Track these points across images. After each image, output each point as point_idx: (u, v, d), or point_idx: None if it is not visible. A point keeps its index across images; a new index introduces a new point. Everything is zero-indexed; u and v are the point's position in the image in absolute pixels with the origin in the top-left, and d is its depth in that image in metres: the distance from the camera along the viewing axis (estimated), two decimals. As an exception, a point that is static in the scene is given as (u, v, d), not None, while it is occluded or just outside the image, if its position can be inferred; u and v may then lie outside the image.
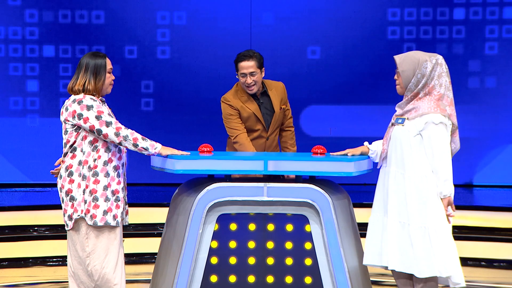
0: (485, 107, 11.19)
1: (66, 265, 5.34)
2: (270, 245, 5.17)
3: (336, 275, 5.07)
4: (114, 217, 5.11)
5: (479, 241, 8.29)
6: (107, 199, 5.09)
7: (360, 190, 9.94)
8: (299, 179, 5.16)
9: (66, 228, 5.16)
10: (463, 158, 10.69)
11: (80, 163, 5.10)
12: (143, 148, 5.07)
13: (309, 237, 5.13)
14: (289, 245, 5.16)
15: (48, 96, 11.20)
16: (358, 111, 11.31)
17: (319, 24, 11.23)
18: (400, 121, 4.99)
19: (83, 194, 5.08)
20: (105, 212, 5.08)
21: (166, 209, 5.57)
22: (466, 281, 7.23)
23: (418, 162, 4.92)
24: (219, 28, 11.22)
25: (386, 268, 5.03)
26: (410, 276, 5.05)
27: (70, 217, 5.11)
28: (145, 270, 7.75)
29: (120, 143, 5.06)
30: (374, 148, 5.18)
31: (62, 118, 5.14)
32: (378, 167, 5.17)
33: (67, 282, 5.33)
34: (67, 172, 5.11)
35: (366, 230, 5.14)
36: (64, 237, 5.34)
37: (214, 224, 5.12)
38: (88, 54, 5.19)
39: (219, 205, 5.12)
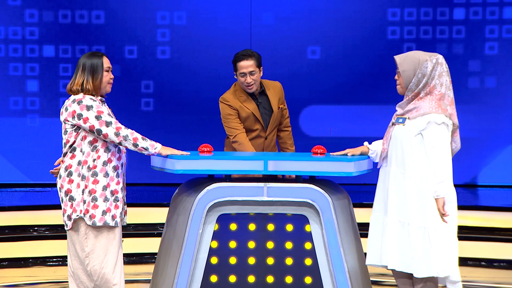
0: (485, 107, 11.19)
1: (66, 265, 5.35)
2: (270, 245, 5.17)
3: (336, 275, 5.07)
4: (113, 217, 5.11)
5: (479, 241, 8.29)
6: (106, 199, 5.09)
7: (360, 190, 9.94)
8: (299, 179, 5.16)
9: (66, 228, 5.16)
10: (463, 158, 10.68)
11: (79, 163, 5.10)
12: (143, 148, 5.07)
13: (309, 237, 5.13)
14: (289, 245, 5.16)
15: (48, 96, 11.20)
16: (358, 111, 11.31)
17: (319, 24, 11.23)
18: (401, 120, 4.99)
19: (82, 194, 5.08)
20: (104, 212, 5.08)
21: (166, 209, 5.57)
22: (467, 281, 7.25)
23: (419, 162, 4.92)
24: (219, 28, 11.22)
25: (386, 267, 5.03)
26: (410, 276, 5.05)
27: (69, 217, 5.11)
28: (145, 270, 7.75)
29: (120, 143, 5.06)
30: (374, 148, 5.19)
31: (62, 118, 5.14)
32: (378, 167, 5.17)
33: (67, 282, 5.33)
34: (67, 172, 5.11)
35: (366, 230, 5.15)
36: (64, 237, 5.34)
37: (214, 224, 5.12)
38: (86, 54, 5.20)
39: (219, 205, 5.12)
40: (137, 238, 8.31)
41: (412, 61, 4.96)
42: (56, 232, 8.34)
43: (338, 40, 11.25)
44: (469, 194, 10.65)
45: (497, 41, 11.16)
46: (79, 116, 5.05)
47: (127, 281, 5.41)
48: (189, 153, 5.18)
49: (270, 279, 5.16)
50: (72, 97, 5.13)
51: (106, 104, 5.23)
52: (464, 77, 11.16)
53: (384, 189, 5.06)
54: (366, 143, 5.24)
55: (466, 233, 8.35)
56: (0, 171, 11.17)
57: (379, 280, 7.18)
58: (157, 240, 5.75)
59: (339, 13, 11.22)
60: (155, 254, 5.66)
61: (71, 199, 5.09)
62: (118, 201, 5.13)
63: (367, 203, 7.56)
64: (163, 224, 5.62)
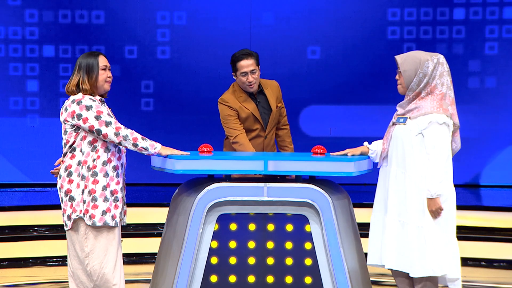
0: (485, 107, 11.19)
1: (66, 265, 5.35)
2: (270, 245, 5.17)
3: (336, 275, 5.07)
4: (113, 217, 5.11)
5: (479, 241, 8.29)
6: (106, 199, 5.09)
7: (360, 190, 9.94)
8: (299, 179, 5.16)
9: (65, 228, 5.16)
10: (463, 158, 10.68)
11: (79, 163, 5.10)
12: (143, 148, 5.07)
13: (309, 237, 5.13)
14: (289, 245, 5.16)
15: (48, 96, 11.20)
16: (358, 111, 11.31)
17: (319, 24, 11.23)
18: (402, 120, 4.99)
19: (82, 194, 5.08)
20: (104, 212, 5.08)
21: (166, 209, 5.57)
22: (467, 281, 7.24)
23: (419, 162, 4.92)
24: (219, 28, 11.22)
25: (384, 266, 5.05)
26: (409, 276, 5.05)
27: (69, 217, 5.11)
28: (145, 270, 7.75)
29: (119, 143, 5.06)
30: (374, 148, 5.19)
31: (61, 119, 5.14)
32: (378, 167, 5.17)
33: (67, 282, 5.33)
34: (66, 172, 5.11)
35: (366, 230, 5.15)
36: (64, 237, 5.34)
37: (214, 224, 5.12)
38: (84, 54, 5.21)
39: (219, 205, 5.12)
40: (137, 238, 8.31)
41: (413, 61, 4.96)
42: (56, 232, 8.34)
43: (338, 40, 11.25)
44: (469, 194, 10.65)
45: (497, 41, 11.16)
46: (79, 116, 5.05)
47: (127, 281, 5.41)
48: (189, 153, 5.18)
49: (270, 279, 5.16)
50: (72, 98, 5.13)
51: (105, 104, 5.23)
52: (464, 77, 11.16)
53: (385, 189, 5.06)
54: (366, 143, 5.24)
55: (466, 233, 8.35)
56: (0, 171, 11.17)
57: (379, 280, 7.18)
58: (157, 240, 5.75)
59: (339, 13, 11.22)
60: (155, 254, 5.66)
61: (71, 199, 5.09)
62: (118, 201, 5.13)
63: (367, 203, 7.56)
64: (163, 224, 5.62)
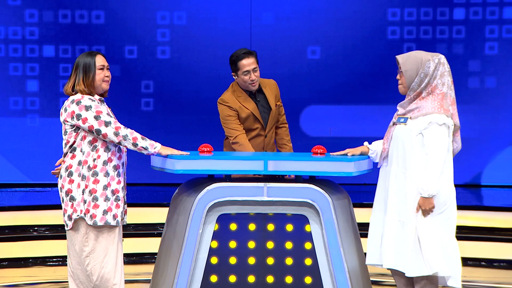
0: (485, 107, 11.19)
1: (66, 265, 5.35)
2: (270, 245, 5.17)
3: (336, 275, 5.07)
4: (114, 216, 5.11)
5: (479, 241, 8.29)
6: (107, 199, 5.09)
7: (360, 190, 9.94)
8: (299, 179, 5.16)
9: (66, 228, 5.16)
10: (463, 158, 10.68)
11: (79, 163, 5.10)
12: (143, 147, 5.07)
13: (309, 237, 5.13)
14: (289, 245, 5.16)
15: (48, 96, 11.20)
16: (358, 111, 11.31)
17: (319, 24, 11.23)
18: (402, 120, 4.99)
19: (83, 194, 5.08)
20: (105, 212, 5.08)
21: (166, 209, 5.57)
22: (467, 281, 7.24)
23: (420, 162, 4.92)
24: (219, 28, 11.22)
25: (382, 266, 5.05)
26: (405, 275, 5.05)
27: (69, 217, 5.11)
28: (145, 270, 7.75)
29: (119, 143, 5.06)
30: (374, 148, 5.19)
31: (61, 119, 5.15)
32: (378, 167, 5.17)
33: (67, 282, 5.33)
34: (67, 172, 5.11)
35: (366, 230, 5.15)
36: (64, 237, 5.34)
37: (214, 224, 5.12)
38: (82, 54, 5.22)
39: (219, 205, 5.12)
40: (137, 238, 8.30)
41: (414, 61, 4.96)
42: (56, 232, 8.34)
43: (338, 40, 11.25)
44: (469, 194, 10.65)
45: (497, 41, 11.15)
46: (78, 116, 5.05)
47: (127, 281, 5.41)
48: (188, 153, 5.17)
49: (270, 279, 5.16)
50: (71, 98, 5.13)
51: (105, 103, 5.23)
52: (464, 77, 11.16)
53: (385, 188, 5.06)
54: (366, 143, 5.24)
55: (466, 233, 8.35)
56: (0, 171, 11.17)
57: (379, 280, 7.18)
58: (157, 240, 5.75)
59: (339, 13, 11.21)
60: (155, 254, 5.66)
61: (72, 199, 5.09)
62: (119, 200, 5.13)
63: (367, 203, 7.56)
64: (163, 224, 5.62)
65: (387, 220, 5.00)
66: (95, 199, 5.07)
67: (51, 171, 5.29)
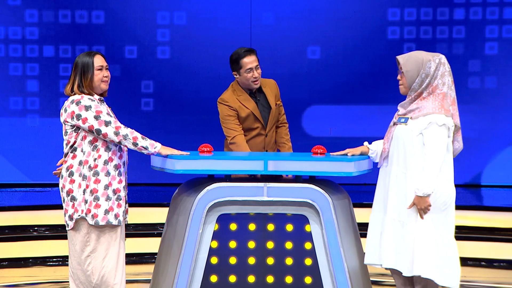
0: (485, 107, 11.19)
1: (66, 265, 5.36)
2: (270, 245, 5.17)
3: (336, 275, 5.07)
4: (116, 216, 5.11)
5: (479, 241, 8.29)
6: (108, 198, 5.09)
7: (360, 190, 9.94)
8: (299, 179, 5.16)
9: (67, 228, 5.16)
10: (463, 158, 10.65)
11: (80, 163, 5.10)
12: (143, 147, 5.07)
13: (309, 237, 5.13)
14: (289, 245, 5.16)
15: (48, 96, 11.20)
16: (358, 111, 11.31)
17: (319, 24, 11.23)
18: (403, 120, 4.99)
19: (83, 194, 5.08)
20: (107, 212, 5.08)
21: (166, 209, 5.57)
22: (467, 281, 7.24)
23: (420, 162, 4.92)
24: (219, 28, 11.22)
25: (381, 266, 5.05)
26: (408, 276, 5.05)
27: (70, 217, 5.11)
28: (145, 270, 7.75)
29: (119, 142, 5.06)
30: (374, 148, 5.19)
31: (61, 119, 5.15)
32: (378, 167, 5.17)
33: (67, 282, 5.34)
34: (68, 172, 5.11)
35: (366, 230, 5.15)
36: (64, 237, 5.34)
37: (214, 224, 5.12)
38: (81, 54, 5.22)
39: (219, 205, 5.12)
40: (137, 238, 8.30)
41: (415, 61, 4.96)
42: (56, 232, 8.34)
43: (338, 40, 11.25)
44: (469, 194, 10.65)
45: (497, 41, 11.15)
46: (78, 116, 5.05)
47: (127, 281, 5.41)
48: (188, 153, 5.18)
49: (270, 279, 5.16)
50: (71, 98, 5.13)
51: (105, 103, 5.23)
52: (464, 77, 11.16)
53: (384, 188, 5.06)
54: (366, 143, 5.24)
55: (466, 233, 8.35)
56: (0, 171, 11.17)
57: (379, 280, 7.18)
58: (157, 240, 5.75)
59: (339, 13, 11.21)
60: (155, 254, 5.66)
61: (73, 199, 5.09)
62: (120, 199, 5.13)
63: (367, 203, 7.56)
64: (163, 224, 5.62)
65: (387, 220, 5.00)
66: (96, 198, 5.07)
67: (53, 172, 5.29)
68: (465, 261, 7.89)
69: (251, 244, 5.16)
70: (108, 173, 5.10)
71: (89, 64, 5.14)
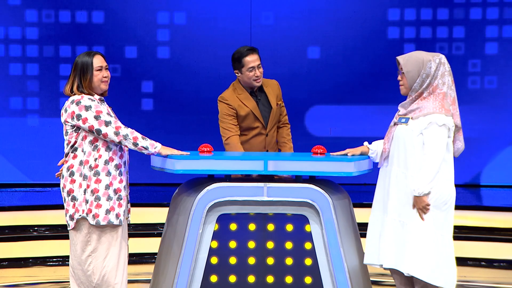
0: (485, 107, 11.19)
1: (66, 265, 5.37)
2: (270, 245, 5.17)
3: (336, 275, 5.07)
4: (117, 215, 5.11)
5: (479, 241, 8.29)
6: (109, 198, 5.09)
7: (360, 190, 9.94)
8: (299, 179, 5.16)
9: (68, 228, 5.16)
10: (463, 158, 10.60)
11: (81, 163, 5.10)
12: (143, 147, 5.07)
13: (309, 237, 5.13)
14: (289, 245, 5.16)
15: (48, 96, 11.20)
16: (358, 111, 11.31)
17: (319, 24, 11.23)
18: (403, 120, 4.99)
19: (84, 194, 5.08)
20: (108, 211, 5.08)
21: (166, 209, 5.57)
22: (467, 281, 7.24)
23: (421, 162, 4.92)
24: (219, 28, 11.22)
25: (382, 266, 5.05)
26: (408, 276, 5.05)
27: (71, 217, 5.11)
28: (145, 270, 7.75)
29: (120, 142, 5.06)
30: (374, 148, 5.19)
31: (62, 120, 5.15)
32: (378, 167, 5.17)
33: (67, 282, 5.34)
34: (69, 172, 5.11)
35: (366, 230, 5.15)
36: (64, 237, 5.35)
37: (214, 224, 5.12)
38: (80, 54, 5.22)
39: (219, 205, 5.12)
40: (137, 238, 8.30)
41: (416, 62, 4.96)
42: (56, 232, 8.34)
43: (338, 40, 11.25)
44: (469, 194, 10.65)
45: (497, 41, 11.16)
46: (78, 116, 5.05)
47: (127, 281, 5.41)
48: (188, 153, 5.18)
49: (270, 279, 5.16)
50: (71, 98, 5.13)
51: (105, 103, 5.23)
52: (464, 77, 11.16)
53: (384, 188, 5.07)
54: (366, 143, 5.24)
55: (466, 233, 8.35)
56: (0, 171, 11.17)
57: (379, 280, 7.18)
58: (157, 240, 5.75)
59: (339, 13, 11.21)
60: (155, 254, 5.66)
61: (73, 199, 5.09)
62: (121, 199, 5.13)
63: (367, 203, 7.56)
64: (163, 224, 5.62)
65: (387, 220, 5.01)
66: (97, 198, 5.07)
67: (56, 174, 5.28)
68: (465, 261, 7.90)
69: (251, 244, 5.16)
70: (109, 173, 5.11)
71: (88, 64, 5.14)
